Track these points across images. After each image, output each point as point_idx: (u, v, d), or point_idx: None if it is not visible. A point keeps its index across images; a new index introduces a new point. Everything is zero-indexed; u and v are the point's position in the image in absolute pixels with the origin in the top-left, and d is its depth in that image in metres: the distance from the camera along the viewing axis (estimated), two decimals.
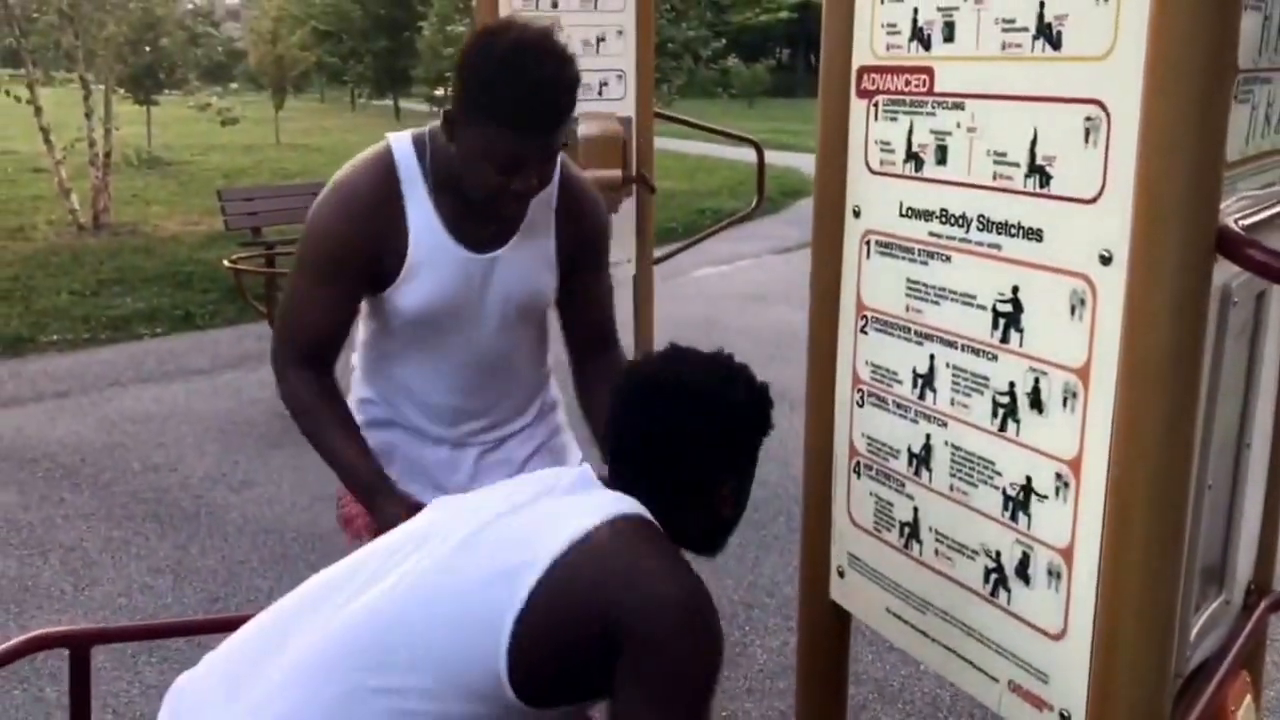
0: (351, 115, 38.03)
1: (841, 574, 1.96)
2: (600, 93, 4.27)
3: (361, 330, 2.24)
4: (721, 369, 1.72)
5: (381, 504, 2.02)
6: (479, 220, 2.08)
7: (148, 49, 19.32)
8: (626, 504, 1.62)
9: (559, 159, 2.08)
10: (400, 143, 2.09)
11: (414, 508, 1.88)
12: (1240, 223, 1.40)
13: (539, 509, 1.63)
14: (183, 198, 15.09)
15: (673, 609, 1.50)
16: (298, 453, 5.64)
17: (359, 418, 2.21)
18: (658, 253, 6.68)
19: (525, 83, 1.86)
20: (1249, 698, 1.78)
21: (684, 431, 1.66)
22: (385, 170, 2.06)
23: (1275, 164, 1.66)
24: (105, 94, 12.97)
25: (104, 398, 6.64)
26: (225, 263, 6.87)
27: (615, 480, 1.69)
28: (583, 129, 4.00)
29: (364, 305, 2.18)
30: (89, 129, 12.21)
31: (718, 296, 9.44)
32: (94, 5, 12.65)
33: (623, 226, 5.93)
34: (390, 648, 1.49)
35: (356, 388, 2.29)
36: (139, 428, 6.07)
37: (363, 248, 2.05)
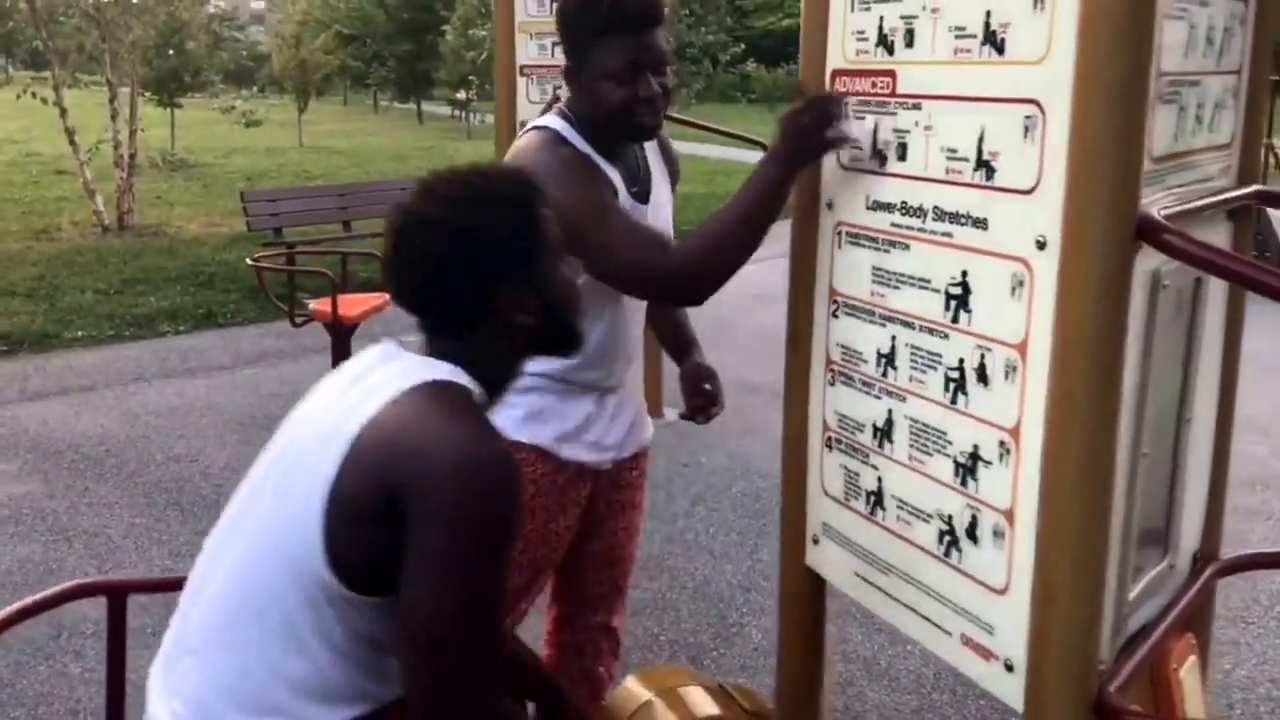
0: (374, 118, 38.21)
1: (816, 541, 2.09)
2: None
3: None
4: (458, 187, 1.67)
5: (801, 159, 2.02)
6: (632, 171, 2.30)
7: (172, 52, 19.56)
8: (427, 370, 1.61)
9: None
10: (556, 122, 2.24)
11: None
12: (1165, 213, 1.53)
13: (349, 397, 1.61)
14: (205, 199, 15.27)
15: (447, 468, 1.45)
16: None
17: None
18: None
19: None
20: (1193, 658, 1.89)
21: (427, 259, 1.63)
22: (564, 143, 2.22)
23: (1208, 160, 1.78)
24: (131, 96, 13.17)
25: (128, 392, 6.80)
26: (248, 261, 7.03)
27: (422, 333, 1.69)
28: None
29: None
30: (114, 131, 12.39)
31: (728, 297, 9.37)
32: (120, 8, 12.84)
33: None
34: (250, 594, 1.61)
35: None
36: (162, 420, 6.24)
37: (609, 186, 2.22)
